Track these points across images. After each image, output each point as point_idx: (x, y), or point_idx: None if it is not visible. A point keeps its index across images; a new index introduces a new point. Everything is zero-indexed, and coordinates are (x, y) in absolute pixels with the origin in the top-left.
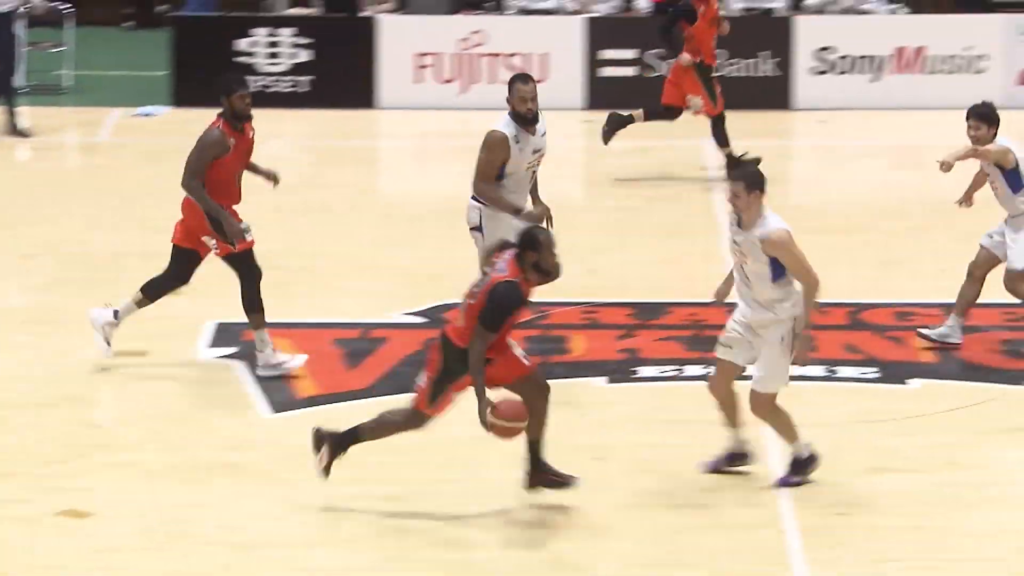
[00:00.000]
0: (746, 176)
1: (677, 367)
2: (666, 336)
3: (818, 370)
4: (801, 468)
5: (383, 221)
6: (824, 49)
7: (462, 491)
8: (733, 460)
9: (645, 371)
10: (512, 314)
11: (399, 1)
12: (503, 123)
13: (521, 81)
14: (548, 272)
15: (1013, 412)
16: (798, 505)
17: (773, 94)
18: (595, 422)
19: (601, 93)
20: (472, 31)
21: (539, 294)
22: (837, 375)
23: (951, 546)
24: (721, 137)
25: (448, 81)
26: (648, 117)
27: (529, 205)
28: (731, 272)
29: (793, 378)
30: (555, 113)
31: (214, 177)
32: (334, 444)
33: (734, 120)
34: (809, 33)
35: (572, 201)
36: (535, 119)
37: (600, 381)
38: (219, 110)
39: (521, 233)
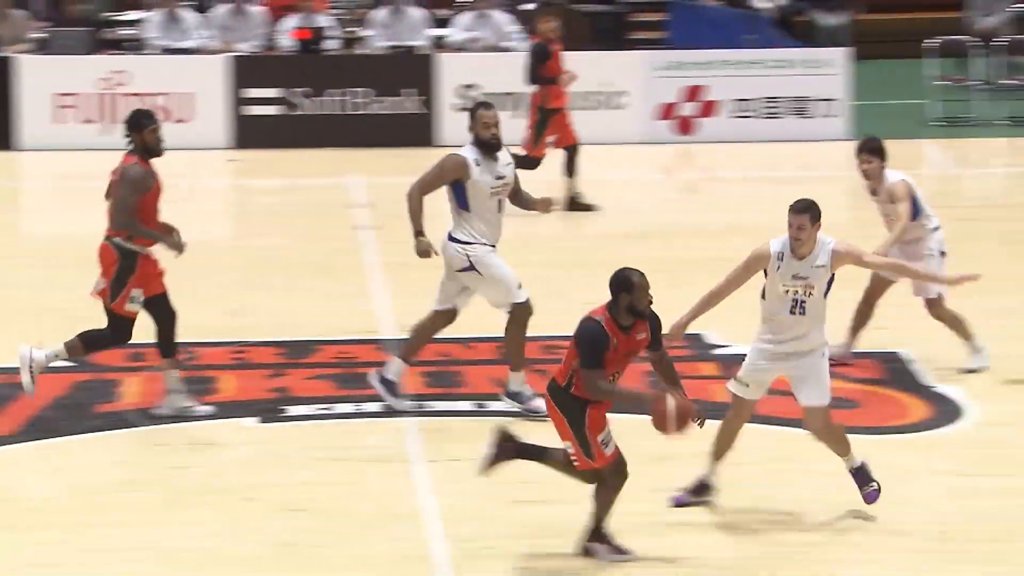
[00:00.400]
0: (811, 209)
1: (327, 405)
2: (316, 375)
3: (467, 405)
4: (864, 477)
5: (21, 263)
6: (467, 86)
7: None
8: (701, 491)
9: (295, 410)
10: (603, 348)
11: (38, 41)
12: (465, 149)
13: (484, 107)
14: (642, 313)
15: None
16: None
17: (418, 131)
18: (245, 462)
19: (246, 132)
20: (113, 71)
21: (186, 333)
22: (486, 409)
23: None
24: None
25: (89, 121)
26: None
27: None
28: (699, 305)
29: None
30: (201, 153)
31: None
32: (516, 450)
33: (380, 158)
34: (452, 70)
35: (219, 240)
36: (498, 145)
37: (251, 421)
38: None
39: (616, 274)
